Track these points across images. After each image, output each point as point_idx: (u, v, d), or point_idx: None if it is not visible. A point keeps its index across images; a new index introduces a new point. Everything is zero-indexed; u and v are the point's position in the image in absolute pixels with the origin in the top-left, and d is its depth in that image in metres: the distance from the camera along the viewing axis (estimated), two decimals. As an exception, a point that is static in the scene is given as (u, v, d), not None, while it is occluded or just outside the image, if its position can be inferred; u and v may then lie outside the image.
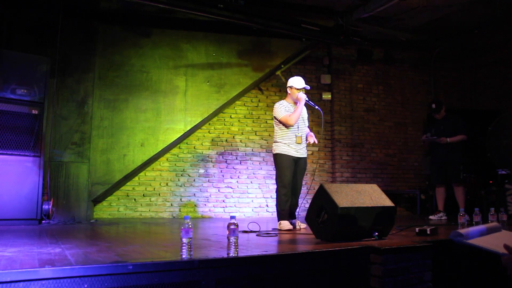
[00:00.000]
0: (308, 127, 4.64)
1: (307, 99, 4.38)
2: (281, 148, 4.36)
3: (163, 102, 6.29)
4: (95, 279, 1.81)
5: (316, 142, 4.49)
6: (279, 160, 4.34)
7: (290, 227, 4.22)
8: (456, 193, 5.64)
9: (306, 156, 4.49)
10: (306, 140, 4.49)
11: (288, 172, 4.31)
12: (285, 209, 4.26)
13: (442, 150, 5.71)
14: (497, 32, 7.41)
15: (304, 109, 4.50)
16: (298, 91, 4.38)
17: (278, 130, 4.43)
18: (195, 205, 6.66)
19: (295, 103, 4.42)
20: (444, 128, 5.72)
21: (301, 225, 4.23)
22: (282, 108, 4.38)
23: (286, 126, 4.35)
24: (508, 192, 5.85)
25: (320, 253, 2.47)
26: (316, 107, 4.44)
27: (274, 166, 4.49)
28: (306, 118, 4.57)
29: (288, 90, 4.48)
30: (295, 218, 4.39)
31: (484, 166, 6.37)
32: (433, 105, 5.82)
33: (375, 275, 2.55)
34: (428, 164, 7.20)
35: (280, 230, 4.13)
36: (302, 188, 7.30)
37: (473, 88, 8.00)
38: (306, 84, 4.42)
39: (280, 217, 4.29)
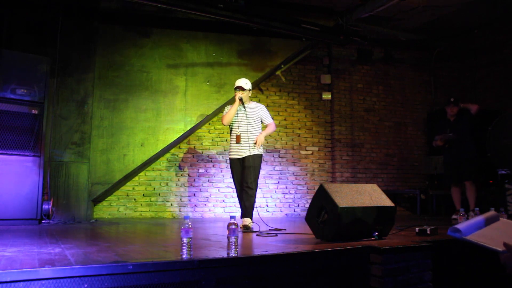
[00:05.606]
0: (261, 128, 4.58)
1: (240, 97, 4.39)
2: (229, 152, 4.60)
3: (163, 102, 6.29)
4: (95, 279, 1.81)
5: (257, 143, 4.37)
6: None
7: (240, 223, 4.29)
8: (468, 191, 5.54)
9: (252, 154, 4.37)
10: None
11: (233, 174, 4.51)
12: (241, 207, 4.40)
13: (457, 149, 5.62)
14: (497, 32, 7.41)
15: (253, 110, 4.50)
16: (235, 91, 4.47)
17: None
18: (195, 205, 6.66)
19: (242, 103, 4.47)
20: (461, 127, 5.65)
21: (246, 222, 4.27)
22: (225, 109, 4.62)
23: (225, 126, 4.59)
24: (508, 192, 5.84)
25: (320, 253, 2.47)
26: (244, 108, 4.41)
27: None
28: (254, 119, 4.48)
29: None
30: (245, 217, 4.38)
31: (484, 166, 6.36)
32: (452, 99, 5.79)
33: (375, 275, 2.55)
34: (427, 164, 7.20)
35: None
36: (302, 187, 7.35)
37: (473, 88, 8.00)
38: (245, 84, 4.43)
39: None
